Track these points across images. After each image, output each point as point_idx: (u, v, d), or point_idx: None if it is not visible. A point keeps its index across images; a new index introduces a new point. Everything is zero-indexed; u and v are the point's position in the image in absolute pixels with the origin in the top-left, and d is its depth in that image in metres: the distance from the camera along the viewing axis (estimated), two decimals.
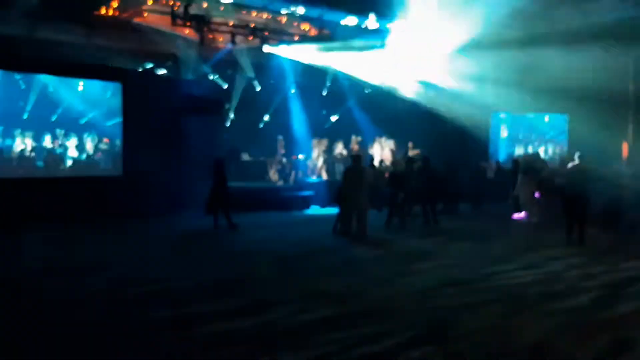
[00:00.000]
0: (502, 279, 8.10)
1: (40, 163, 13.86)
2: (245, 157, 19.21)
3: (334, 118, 21.17)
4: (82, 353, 5.21)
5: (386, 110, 19.83)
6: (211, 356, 5.12)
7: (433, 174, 13.95)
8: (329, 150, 19.20)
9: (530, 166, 14.55)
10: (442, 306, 6.72)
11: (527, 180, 14.19)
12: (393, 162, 17.66)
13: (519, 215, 14.53)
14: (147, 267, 8.74)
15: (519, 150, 22.42)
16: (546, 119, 23.21)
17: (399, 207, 13.14)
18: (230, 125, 19.14)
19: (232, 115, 19.07)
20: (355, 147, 19.31)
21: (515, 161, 16.30)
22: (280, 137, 18.75)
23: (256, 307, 6.50)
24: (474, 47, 17.64)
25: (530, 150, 21.82)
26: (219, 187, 12.56)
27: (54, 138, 14.11)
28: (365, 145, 19.63)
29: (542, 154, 20.56)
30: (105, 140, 14.82)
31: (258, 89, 19.47)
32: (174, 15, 15.44)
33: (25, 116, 13.73)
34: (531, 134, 23.18)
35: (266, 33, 17.40)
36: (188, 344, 5.37)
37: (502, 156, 21.25)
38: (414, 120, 20.21)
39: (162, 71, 16.98)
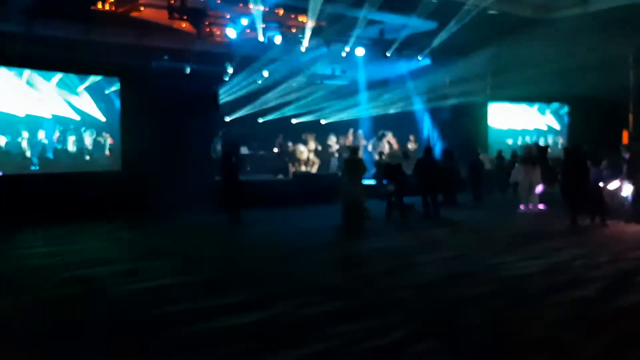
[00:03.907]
0: (506, 270, 8.05)
1: (35, 159, 13.76)
2: (245, 151, 19.16)
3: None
4: (80, 349, 5.15)
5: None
6: (215, 353, 5.06)
7: (434, 165, 13.86)
8: (323, 144, 19.21)
9: (529, 156, 14.44)
10: (447, 299, 6.67)
11: (526, 170, 14.09)
12: (390, 154, 17.68)
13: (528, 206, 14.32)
14: (147, 263, 8.69)
15: (511, 141, 22.35)
16: (545, 109, 23.13)
17: (399, 199, 13.09)
18: (229, 119, 19.08)
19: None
20: (350, 139, 19.31)
21: (514, 152, 16.23)
22: (281, 135, 18.83)
23: (258, 302, 6.44)
24: None
25: (528, 140, 21.81)
26: (231, 180, 12.53)
27: (52, 134, 14.01)
28: (363, 138, 19.67)
29: (541, 144, 20.52)
30: (107, 136, 14.73)
31: (259, 82, 19.35)
32: (170, 9, 15.32)
33: (22, 112, 13.62)
34: (529, 124, 23.10)
35: (263, 25, 17.26)
36: (190, 340, 5.33)
37: (499, 147, 21.18)
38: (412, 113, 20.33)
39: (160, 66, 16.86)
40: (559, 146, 22.27)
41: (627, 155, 12.81)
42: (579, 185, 11.18)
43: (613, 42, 17.79)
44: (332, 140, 19.33)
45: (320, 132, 19.65)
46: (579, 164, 11.51)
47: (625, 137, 20.09)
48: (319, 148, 18.95)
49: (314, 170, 18.56)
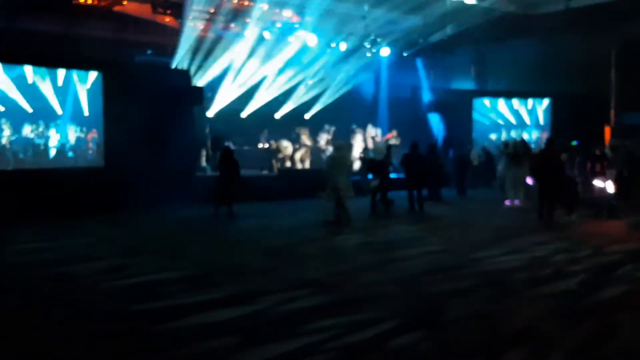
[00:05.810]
0: (488, 264, 8.12)
1: (21, 155, 13.63)
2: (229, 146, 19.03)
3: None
4: (62, 347, 5.13)
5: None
6: (199, 348, 5.06)
7: (420, 160, 13.90)
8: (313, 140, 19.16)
9: (515, 151, 14.50)
10: (430, 292, 6.73)
11: (512, 165, 14.17)
12: (374, 150, 17.68)
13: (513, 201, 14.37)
14: (132, 259, 8.65)
15: (494, 136, 22.46)
16: (529, 104, 23.25)
17: (384, 194, 13.15)
18: (213, 114, 18.98)
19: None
20: (330, 136, 19.27)
21: (503, 146, 16.30)
22: (265, 130, 18.78)
23: (243, 298, 6.45)
24: None
25: (512, 135, 21.93)
26: (229, 177, 12.51)
27: (35, 129, 13.88)
28: (343, 134, 19.68)
29: (525, 139, 20.65)
30: (94, 131, 14.62)
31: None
32: (154, 3, 15.23)
33: (3, 107, 13.48)
34: (514, 119, 23.21)
35: (248, 20, 17.23)
36: (175, 335, 5.32)
37: (483, 142, 21.27)
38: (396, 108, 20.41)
39: (142, 60, 16.75)
40: (543, 141, 22.39)
41: (599, 152, 13.27)
42: (551, 179, 11.30)
43: (595, 38, 17.97)
44: (323, 137, 19.26)
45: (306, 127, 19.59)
46: (551, 158, 11.62)
47: (607, 133, 20.32)
48: (310, 143, 18.85)
49: (306, 166, 18.44)
